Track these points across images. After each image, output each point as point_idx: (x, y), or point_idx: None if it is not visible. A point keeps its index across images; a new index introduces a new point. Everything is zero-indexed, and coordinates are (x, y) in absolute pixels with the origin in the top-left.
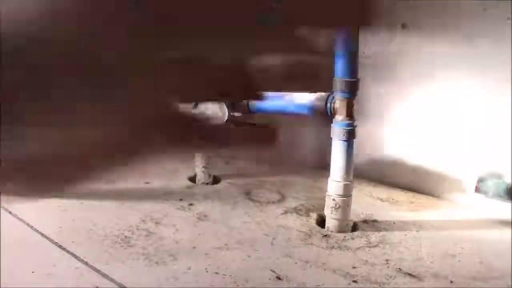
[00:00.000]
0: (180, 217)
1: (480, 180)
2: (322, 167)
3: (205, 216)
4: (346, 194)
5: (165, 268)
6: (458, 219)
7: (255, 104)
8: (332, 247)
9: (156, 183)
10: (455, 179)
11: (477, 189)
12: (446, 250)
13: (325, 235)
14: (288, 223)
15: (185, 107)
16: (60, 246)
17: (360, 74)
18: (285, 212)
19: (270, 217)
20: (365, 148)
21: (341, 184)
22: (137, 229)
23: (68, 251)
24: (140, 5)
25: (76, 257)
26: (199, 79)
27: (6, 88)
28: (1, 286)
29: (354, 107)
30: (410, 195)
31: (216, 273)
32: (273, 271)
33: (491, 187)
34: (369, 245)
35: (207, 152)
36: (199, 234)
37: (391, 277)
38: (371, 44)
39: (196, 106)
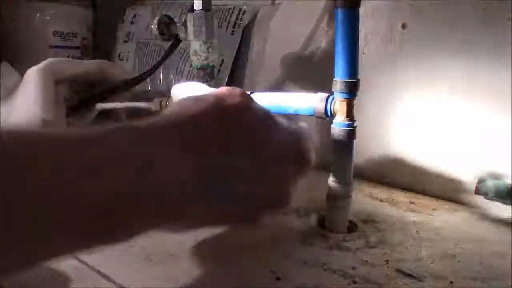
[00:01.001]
0: None
1: (480, 181)
2: (322, 167)
3: None
4: (346, 194)
5: (165, 269)
6: (458, 219)
7: None
8: (332, 248)
9: None
10: (455, 179)
11: (477, 190)
12: (446, 250)
13: (325, 236)
14: (287, 223)
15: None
16: None
17: (360, 75)
18: (285, 213)
19: (269, 217)
20: (365, 148)
21: (341, 184)
22: None
23: None
24: None
25: (75, 257)
26: None
27: None
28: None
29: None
30: (410, 195)
31: (216, 273)
32: (273, 272)
33: (491, 188)
34: (368, 246)
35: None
36: (199, 235)
37: (390, 277)
38: (371, 44)
39: None
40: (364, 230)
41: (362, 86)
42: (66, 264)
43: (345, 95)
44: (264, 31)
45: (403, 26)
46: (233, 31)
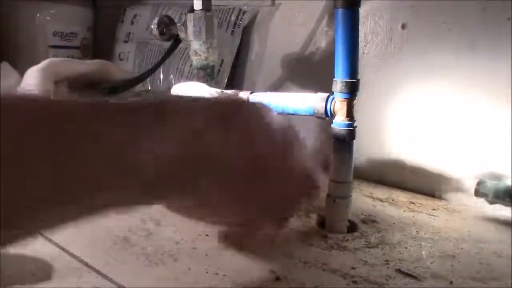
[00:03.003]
0: (180, 218)
1: (480, 183)
2: (322, 167)
3: None
4: (346, 194)
5: (165, 269)
6: (458, 219)
7: None
8: (332, 248)
9: None
10: (455, 180)
11: (477, 192)
12: (446, 250)
13: (325, 236)
14: (287, 223)
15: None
16: (59, 247)
17: (360, 75)
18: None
19: None
20: (365, 148)
21: (341, 184)
22: (137, 229)
23: (68, 252)
24: None
25: (75, 257)
26: None
27: None
28: (1, 286)
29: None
30: (410, 195)
31: (216, 273)
32: (273, 272)
33: (491, 189)
34: (368, 246)
35: None
36: (199, 235)
37: (390, 277)
38: (371, 44)
39: None
40: (364, 230)
41: (362, 86)
42: (66, 264)
43: (345, 95)
44: (264, 31)
45: (403, 26)
46: (233, 31)
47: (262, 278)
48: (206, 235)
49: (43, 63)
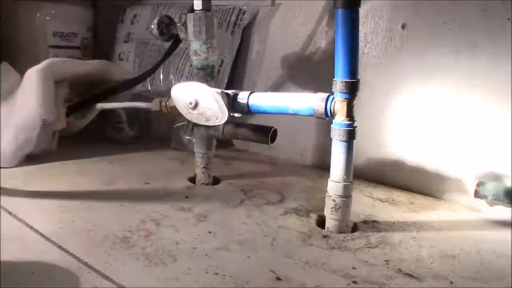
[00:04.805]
0: (180, 218)
1: (480, 184)
2: (322, 167)
3: (205, 216)
4: (346, 194)
5: (165, 269)
6: (458, 219)
7: (255, 104)
8: (332, 248)
9: (156, 183)
10: (455, 180)
11: (477, 194)
12: (446, 250)
13: (325, 236)
14: (288, 224)
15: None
16: (60, 247)
17: (360, 75)
18: (285, 213)
19: (270, 217)
20: (365, 148)
21: (341, 184)
22: (137, 229)
23: (68, 252)
24: None
25: (76, 257)
26: None
27: None
28: (1, 287)
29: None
30: (410, 195)
31: (216, 273)
32: (273, 272)
33: (490, 190)
34: (369, 246)
35: None
36: (199, 235)
37: (391, 277)
38: (371, 44)
39: (196, 106)
40: (364, 230)
41: (362, 86)
42: (66, 264)
43: (345, 95)
44: (264, 31)
45: (403, 26)
46: (233, 31)
47: (262, 278)
48: (209, 232)
49: (43, 63)
